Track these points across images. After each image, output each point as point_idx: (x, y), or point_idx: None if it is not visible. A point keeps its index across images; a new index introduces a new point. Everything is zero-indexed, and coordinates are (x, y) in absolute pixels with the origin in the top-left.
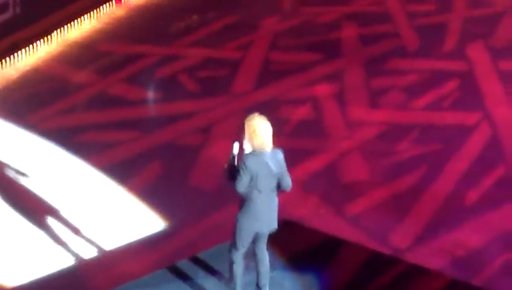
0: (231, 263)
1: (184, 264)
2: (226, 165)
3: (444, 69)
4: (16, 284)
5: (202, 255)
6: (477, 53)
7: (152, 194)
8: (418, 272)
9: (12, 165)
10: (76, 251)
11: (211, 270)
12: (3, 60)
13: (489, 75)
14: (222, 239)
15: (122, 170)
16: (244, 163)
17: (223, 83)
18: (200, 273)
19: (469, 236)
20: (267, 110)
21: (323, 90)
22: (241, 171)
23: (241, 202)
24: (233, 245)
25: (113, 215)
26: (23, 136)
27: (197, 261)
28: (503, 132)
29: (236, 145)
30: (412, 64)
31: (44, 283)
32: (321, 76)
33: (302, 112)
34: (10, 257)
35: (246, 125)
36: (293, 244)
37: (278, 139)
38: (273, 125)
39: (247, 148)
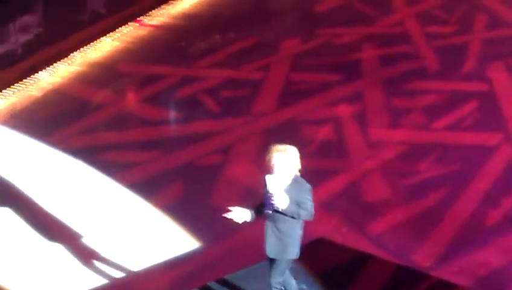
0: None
1: (212, 286)
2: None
3: (464, 90)
4: None
5: (229, 277)
6: (497, 74)
7: (173, 214)
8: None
9: (34, 184)
10: (99, 270)
11: None
12: (25, 80)
13: (510, 95)
14: (243, 259)
15: (143, 190)
16: (309, 188)
17: (244, 104)
18: None
19: (491, 256)
20: (287, 130)
21: (344, 110)
22: (310, 196)
23: (291, 229)
24: (283, 272)
25: (135, 234)
26: (44, 155)
27: (224, 283)
28: None
29: (269, 179)
30: (432, 85)
31: None
32: (342, 96)
33: (323, 133)
34: (32, 273)
35: (289, 155)
36: (315, 263)
37: (300, 160)
38: (294, 145)
39: (285, 177)
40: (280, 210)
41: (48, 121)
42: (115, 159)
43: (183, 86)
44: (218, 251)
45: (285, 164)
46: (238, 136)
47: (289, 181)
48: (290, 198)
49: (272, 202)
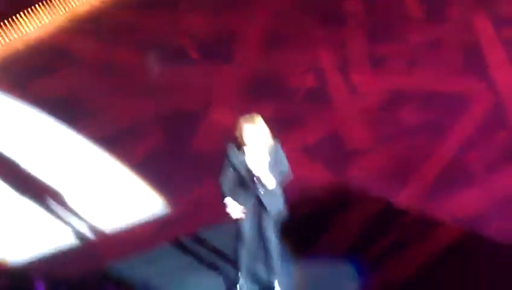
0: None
1: (190, 238)
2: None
3: (447, 37)
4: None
5: (202, 232)
6: (481, 21)
7: (153, 161)
8: (422, 230)
9: (12, 135)
10: (76, 221)
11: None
12: (6, 30)
13: (493, 42)
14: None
15: (123, 138)
16: (279, 145)
17: (225, 50)
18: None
19: (471, 200)
20: (269, 78)
21: (326, 58)
22: (283, 151)
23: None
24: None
25: (113, 184)
26: (24, 105)
27: (196, 237)
28: (506, 99)
29: (250, 157)
30: (416, 33)
31: (46, 257)
32: (324, 44)
33: (305, 80)
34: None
35: (258, 125)
36: (296, 207)
37: (281, 107)
38: (276, 93)
39: (261, 146)
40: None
41: (28, 71)
42: (95, 108)
43: (166, 32)
44: (195, 197)
45: (255, 135)
46: (219, 83)
47: (266, 148)
48: (273, 164)
49: (262, 184)
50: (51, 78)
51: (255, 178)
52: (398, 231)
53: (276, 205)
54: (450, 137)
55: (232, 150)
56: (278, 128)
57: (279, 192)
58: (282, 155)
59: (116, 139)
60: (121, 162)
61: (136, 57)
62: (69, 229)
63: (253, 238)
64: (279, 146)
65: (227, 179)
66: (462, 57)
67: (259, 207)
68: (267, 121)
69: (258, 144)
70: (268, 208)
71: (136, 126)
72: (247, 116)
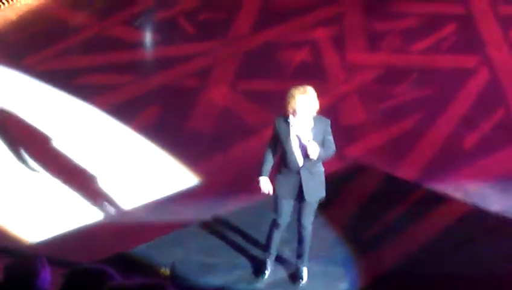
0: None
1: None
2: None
3: (443, 13)
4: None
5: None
6: None
7: (151, 137)
8: (419, 208)
9: (11, 109)
10: (83, 192)
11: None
12: (1, 2)
13: (488, 19)
14: (221, 181)
15: (121, 113)
16: (329, 123)
17: (222, 26)
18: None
19: (467, 180)
20: (265, 53)
21: (322, 33)
22: (330, 130)
23: (321, 169)
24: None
25: (114, 158)
26: (20, 78)
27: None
28: (502, 76)
29: (296, 127)
30: (411, 8)
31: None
32: (320, 19)
33: (300, 56)
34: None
35: (311, 96)
36: None
37: (276, 82)
38: (271, 68)
39: (308, 118)
40: (315, 159)
41: (23, 44)
42: (92, 82)
43: (161, 8)
44: (194, 172)
45: (308, 105)
46: (216, 59)
47: (311, 121)
48: (317, 138)
49: (308, 153)
50: (48, 51)
51: (300, 147)
52: (395, 208)
53: (316, 192)
54: (446, 114)
55: (279, 122)
56: (274, 103)
57: (322, 179)
58: (330, 133)
59: (112, 113)
60: (119, 134)
61: (130, 32)
62: (73, 198)
63: (287, 219)
64: (329, 122)
65: (270, 154)
66: (457, 33)
67: (299, 189)
68: (263, 96)
69: (308, 115)
70: (306, 196)
71: (132, 101)
72: (300, 86)
